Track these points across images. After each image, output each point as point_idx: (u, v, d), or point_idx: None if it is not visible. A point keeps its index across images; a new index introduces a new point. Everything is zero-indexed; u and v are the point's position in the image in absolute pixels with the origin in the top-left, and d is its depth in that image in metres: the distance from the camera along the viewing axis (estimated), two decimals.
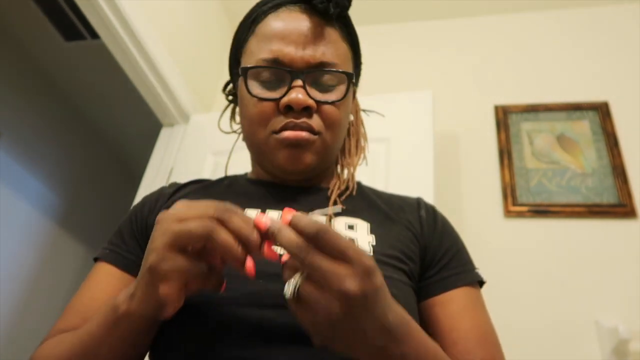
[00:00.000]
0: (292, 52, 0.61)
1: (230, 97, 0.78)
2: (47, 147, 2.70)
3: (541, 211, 1.50)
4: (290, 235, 0.38)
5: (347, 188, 0.67)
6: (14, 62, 2.46)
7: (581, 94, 1.72)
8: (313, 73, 0.61)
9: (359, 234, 0.58)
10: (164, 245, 0.40)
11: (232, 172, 1.75)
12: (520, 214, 1.52)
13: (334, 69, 0.62)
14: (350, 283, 0.36)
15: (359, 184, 0.71)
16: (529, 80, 1.81)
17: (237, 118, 0.78)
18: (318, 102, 0.60)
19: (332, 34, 0.64)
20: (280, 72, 0.61)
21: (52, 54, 2.47)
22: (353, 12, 0.70)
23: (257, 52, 0.63)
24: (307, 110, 0.60)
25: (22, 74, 2.52)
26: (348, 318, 0.37)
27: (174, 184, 0.72)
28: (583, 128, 1.65)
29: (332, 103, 0.61)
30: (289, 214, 0.39)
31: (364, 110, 0.79)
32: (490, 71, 1.87)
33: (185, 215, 0.41)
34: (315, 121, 0.60)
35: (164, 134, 1.87)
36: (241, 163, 1.70)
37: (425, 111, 1.48)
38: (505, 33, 1.96)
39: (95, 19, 1.45)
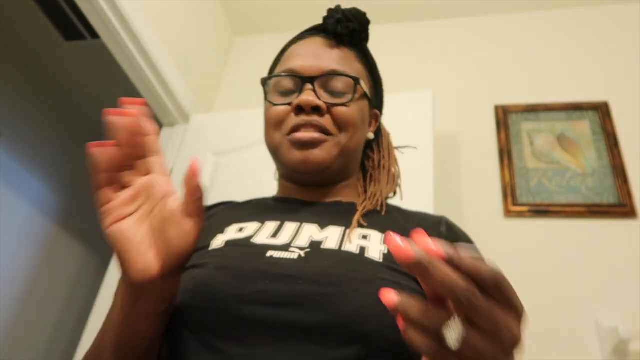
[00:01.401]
0: (305, 63, 0.68)
1: None
2: (47, 147, 2.70)
3: (541, 211, 1.50)
4: (453, 276, 0.31)
5: (374, 209, 0.69)
6: (13, 62, 2.46)
7: (581, 94, 1.72)
8: (322, 78, 0.66)
9: (372, 244, 0.58)
10: None
11: (232, 172, 1.75)
12: (520, 214, 1.52)
13: (342, 74, 0.67)
14: (518, 329, 0.33)
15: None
16: (529, 80, 1.81)
17: None
18: (328, 104, 0.65)
19: (347, 53, 0.71)
20: (295, 81, 0.67)
21: (52, 54, 2.48)
22: None
23: (278, 70, 0.71)
24: (317, 111, 0.64)
25: (21, 73, 2.52)
26: None
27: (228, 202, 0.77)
28: (583, 128, 1.65)
29: (343, 104, 0.66)
30: (418, 234, 0.34)
31: (396, 148, 0.82)
32: (490, 71, 1.87)
33: None
34: (327, 121, 0.65)
35: (164, 134, 1.87)
36: (241, 163, 1.71)
37: (425, 111, 1.48)
38: (505, 33, 1.96)
39: (95, 19, 1.45)
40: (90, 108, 2.87)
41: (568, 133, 1.65)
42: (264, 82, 0.70)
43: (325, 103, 0.65)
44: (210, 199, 1.56)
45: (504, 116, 1.72)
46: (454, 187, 1.62)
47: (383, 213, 0.67)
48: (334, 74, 0.67)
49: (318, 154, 0.63)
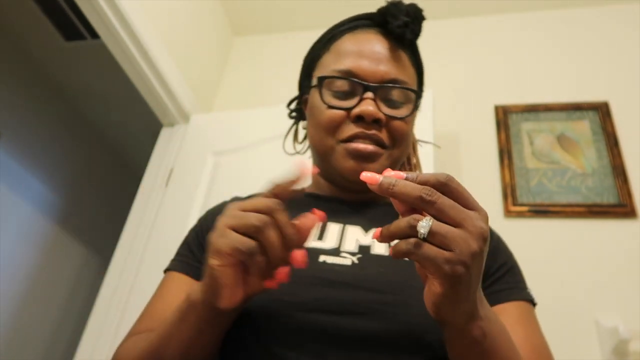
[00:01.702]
0: (366, 66, 0.64)
1: (294, 114, 0.81)
2: (47, 147, 2.70)
3: (541, 211, 1.50)
4: (412, 184, 0.39)
5: None
6: (13, 62, 2.46)
7: (581, 94, 1.72)
8: (384, 88, 0.64)
9: None
10: (223, 225, 0.43)
11: (232, 172, 1.75)
12: (520, 214, 1.52)
13: (405, 87, 0.65)
14: (483, 223, 0.38)
15: None
16: (529, 80, 1.81)
17: (300, 137, 0.83)
18: (387, 117, 0.63)
19: (404, 57, 0.68)
20: (353, 83, 0.64)
21: (52, 54, 2.47)
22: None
23: (332, 64, 0.67)
24: (376, 123, 0.62)
25: (21, 73, 2.52)
26: (480, 258, 0.38)
27: (235, 198, 0.75)
28: (583, 128, 1.65)
29: (402, 119, 0.64)
30: (387, 172, 0.41)
31: (418, 141, 0.82)
32: (490, 71, 1.87)
33: (248, 206, 0.44)
34: (384, 134, 0.63)
35: (164, 134, 1.87)
36: (241, 163, 1.71)
37: (425, 111, 1.48)
38: (505, 33, 1.96)
39: (95, 19, 1.45)
40: (90, 108, 2.87)
41: (568, 133, 1.65)
42: (320, 80, 0.65)
43: (385, 115, 0.63)
44: (210, 200, 1.56)
45: (504, 116, 1.73)
46: None
47: None
48: (395, 83, 0.64)
49: (373, 167, 0.62)
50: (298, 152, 0.83)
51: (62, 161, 2.79)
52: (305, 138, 0.82)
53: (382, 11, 0.68)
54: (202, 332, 0.48)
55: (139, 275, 1.48)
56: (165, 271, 0.67)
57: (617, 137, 1.60)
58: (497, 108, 1.75)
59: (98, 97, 2.76)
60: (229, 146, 1.69)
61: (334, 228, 0.61)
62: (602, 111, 1.66)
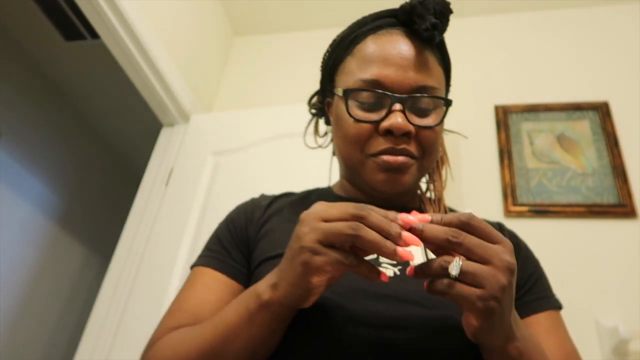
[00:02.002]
0: (392, 74, 0.61)
1: (314, 111, 0.80)
2: (47, 147, 2.70)
3: (541, 211, 1.50)
4: (438, 227, 0.43)
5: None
6: (13, 62, 2.46)
7: (581, 94, 1.72)
8: (413, 98, 0.61)
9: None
10: (314, 242, 0.43)
11: (232, 172, 1.74)
12: (520, 214, 1.51)
13: (434, 95, 0.62)
14: (509, 256, 0.42)
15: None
16: (529, 80, 1.81)
17: (321, 131, 0.82)
18: (417, 127, 0.61)
19: (430, 58, 0.65)
20: (380, 94, 0.61)
21: (52, 54, 2.47)
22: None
23: (357, 72, 0.64)
24: (406, 135, 0.60)
25: (22, 73, 2.52)
26: (510, 289, 0.42)
27: (264, 197, 0.75)
28: (583, 128, 1.65)
29: (431, 128, 0.61)
30: (414, 215, 0.44)
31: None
32: (490, 71, 1.87)
33: (329, 215, 0.44)
34: (413, 146, 0.61)
35: (164, 134, 1.87)
36: (241, 163, 1.71)
37: None
38: (505, 33, 1.96)
39: (95, 19, 1.45)
40: (90, 108, 2.87)
41: (568, 133, 1.65)
42: (346, 93, 0.62)
43: (414, 125, 0.60)
44: (210, 200, 1.56)
45: (504, 116, 1.72)
46: (454, 187, 1.61)
47: None
48: (424, 91, 0.61)
49: (404, 179, 0.61)
50: (320, 146, 0.82)
51: (62, 161, 2.79)
52: (326, 134, 0.83)
53: (406, 9, 0.63)
54: (274, 331, 0.49)
55: (139, 275, 1.48)
56: (194, 266, 0.66)
57: (617, 137, 1.60)
58: (497, 108, 1.75)
59: (98, 97, 2.76)
60: (229, 146, 1.69)
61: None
62: (602, 111, 1.66)
